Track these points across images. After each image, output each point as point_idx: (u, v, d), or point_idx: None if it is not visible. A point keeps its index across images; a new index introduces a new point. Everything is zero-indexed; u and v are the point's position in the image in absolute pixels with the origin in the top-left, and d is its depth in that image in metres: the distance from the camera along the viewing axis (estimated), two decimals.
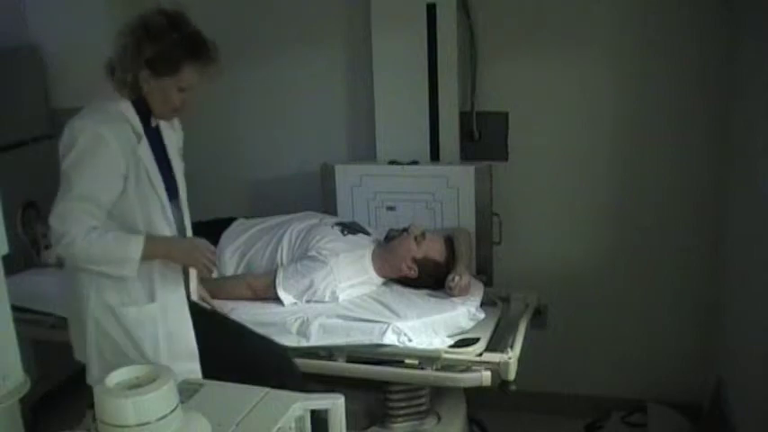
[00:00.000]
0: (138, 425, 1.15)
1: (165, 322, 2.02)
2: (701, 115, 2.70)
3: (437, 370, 2.23)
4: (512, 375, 2.18)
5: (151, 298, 2.00)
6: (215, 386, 1.52)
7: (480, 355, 2.24)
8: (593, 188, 2.88)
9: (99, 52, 3.21)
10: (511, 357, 2.19)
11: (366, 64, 2.89)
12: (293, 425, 1.43)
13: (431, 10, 2.73)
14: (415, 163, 2.83)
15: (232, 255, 2.70)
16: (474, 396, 2.58)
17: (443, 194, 2.79)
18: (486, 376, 2.18)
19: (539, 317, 2.58)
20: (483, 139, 2.93)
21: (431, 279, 2.57)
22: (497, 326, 2.45)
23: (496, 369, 2.18)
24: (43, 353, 2.63)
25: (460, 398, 2.62)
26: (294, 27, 3.08)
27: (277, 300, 2.49)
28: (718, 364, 2.69)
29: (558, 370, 3.00)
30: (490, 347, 2.29)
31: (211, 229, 2.80)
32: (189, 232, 2.19)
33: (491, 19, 2.83)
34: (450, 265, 2.58)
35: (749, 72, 2.38)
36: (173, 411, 1.19)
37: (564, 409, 2.98)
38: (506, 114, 2.91)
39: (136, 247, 1.90)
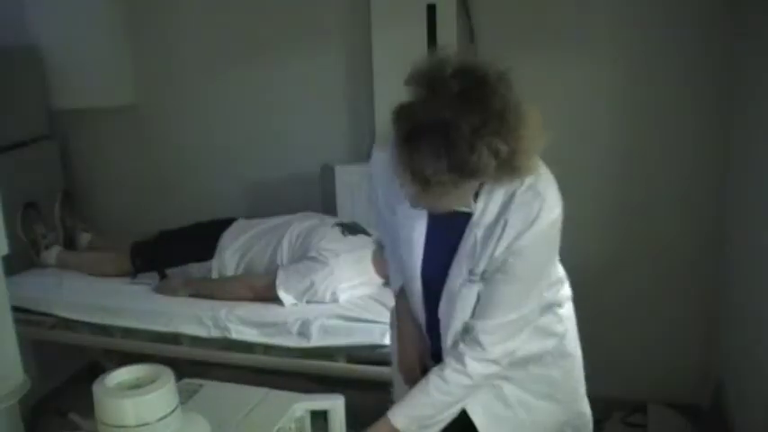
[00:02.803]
0: (138, 425, 1.15)
1: None
2: (703, 115, 2.69)
3: None
4: None
5: None
6: (215, 386, 1.52)
7: None
8: (593, 189, 2.87)
9: (99, 52, 3.26)
10: None
11: (366, 64, 2.89)
12: (293, 425, 1.42)
13: (431, 10, 2.73)
14: None
15: (232, 255, 2.70)
16: None
17: None
18: None
19: None
20: None
21: None
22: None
23: None
24: (43, 353, 2.63)
25: None
26: (294, 27, 3.08)
27: (277, 300, 2.49)
28: (719, 364, 2.68)
29: None
30: None
31: (211, 230, 2.81)
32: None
33: (491, 19, 2.83)
34: None
35: (751, 71, 2.38)
36: (173, 412, 1.19)
37: None
38: None
39: None
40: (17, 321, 1.42)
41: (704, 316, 2.82)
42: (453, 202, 1.41)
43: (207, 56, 3.24)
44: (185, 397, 1.39)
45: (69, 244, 3.10)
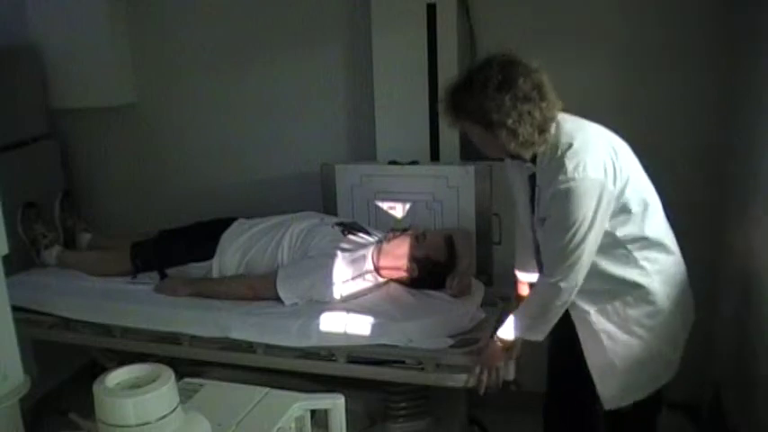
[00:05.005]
0: (138, 425, 1.15)
1: None
2: (704, 115, 2.69)
3: (437, 370, 2.23)
4: (512, 375, 2.18)
5: None
6: (215, 386, 1.52)
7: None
8: None
9: (99, 52, 3.26)
10: (511, 357, 2.19)
11: (366, 64, 2.89)
12: (293, 425, 1.43)
13: (431, 10, 2.73)
14: (415, 163, 2.83)
15: (233, 255, 2.70)
16: (474, 396, 2.58)
17: (443, 194, 2.78)
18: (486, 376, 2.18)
19: None
20: None
21: (431, 279, 2.57)
22: (498, 326, 2.45)
23: (497, 369, 2.18)
24: (43, 353, 2.63)
25: (460, 398, 2.62)
26: (294, 27, 3.08)
27: (277, 300, 2.49)
28: (718, 364, 2.68)
29: None
30: None
31: (211, 229, 2.81)
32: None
33: (491, 19, 2.83)
34: (450, 265, 2.57)
35: (752, 72, 2.38)
36: (173, 411, 1.19)
37: None
38: None
39: None
40: (17, 321, 1.43)
41: (704, 316, 2.82)
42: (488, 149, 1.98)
43: (207, 55, 3.24)
44: (185, 397, 1.40)
45: (69, 244, 3.10)
